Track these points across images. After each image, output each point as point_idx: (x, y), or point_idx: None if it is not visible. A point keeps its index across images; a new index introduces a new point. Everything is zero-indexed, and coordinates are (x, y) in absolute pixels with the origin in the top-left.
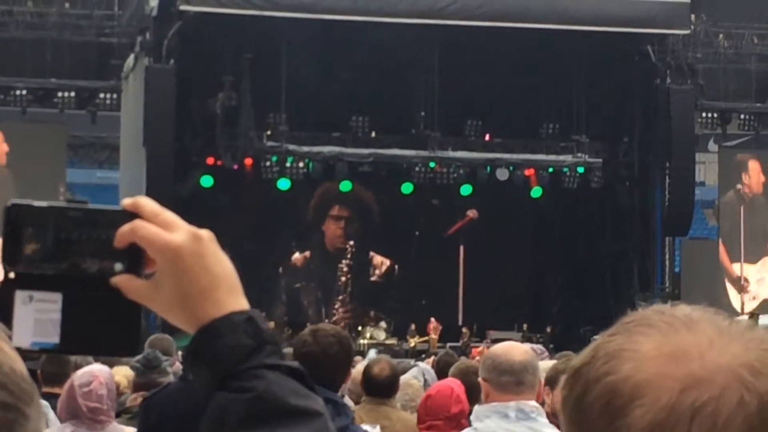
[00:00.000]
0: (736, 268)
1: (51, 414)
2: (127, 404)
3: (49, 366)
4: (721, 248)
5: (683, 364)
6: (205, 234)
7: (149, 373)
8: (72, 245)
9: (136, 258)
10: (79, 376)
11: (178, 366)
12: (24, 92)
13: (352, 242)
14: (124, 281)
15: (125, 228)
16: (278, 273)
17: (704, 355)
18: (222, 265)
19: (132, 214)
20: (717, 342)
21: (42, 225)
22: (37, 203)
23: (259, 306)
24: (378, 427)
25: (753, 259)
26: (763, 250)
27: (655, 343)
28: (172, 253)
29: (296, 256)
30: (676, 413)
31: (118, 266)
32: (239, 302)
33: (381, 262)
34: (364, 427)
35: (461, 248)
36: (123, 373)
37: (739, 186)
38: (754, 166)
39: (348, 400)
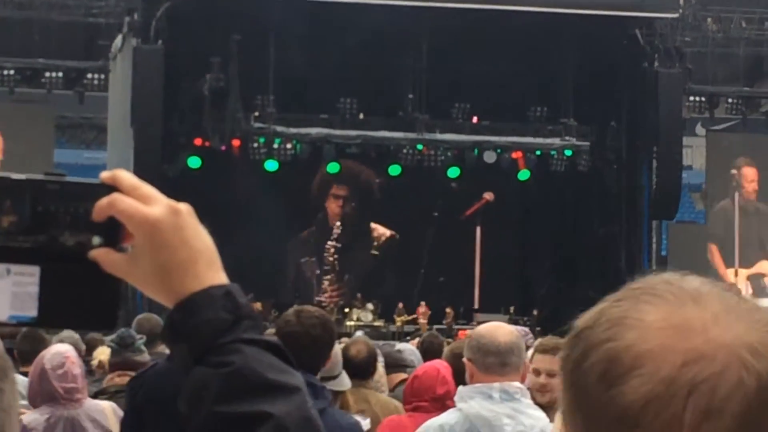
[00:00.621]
0: (730, 273)
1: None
2: (104, 384)
3: (24, 344)
4: (715, 251)
5: (687, 338)
6: (184, 207)
7: (123, 351)
8: (50, 218)
9: (114, 231)
10: (49, 359)
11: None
12: (11, 72)
13: (339, 223)
14: (102, 255)
15: (103, 201)
16: (285, 249)
17: (708, 330)
18: (201, 238)
19: (110, 188)
20: (722, 319)
21: (19, 197)
22: (15, 175)
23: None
24: (368, 421)
25: (747, 264)
26: (758, 256)
27: (661, 314)
28: (150, 227)
29: (304, 233)
30: (674, 387)
31: (96, 240)
32: (218, 276)
33: (381, 234)
34: (356, 417)
35: (478, 230)
36: (107, 352)
37: (736, 194)
38: (749, 172)
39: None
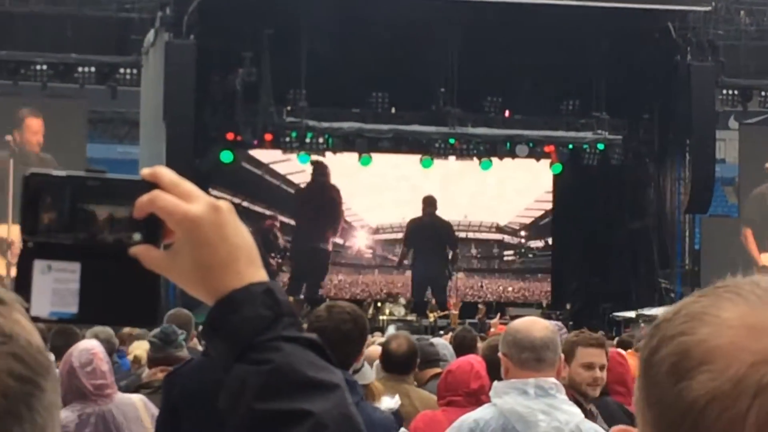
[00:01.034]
0: (764, 258)
1: None
2: (144, 379)
3: (58, 340)
4: (749, 235)
5: (759, 339)
6: (224, 205)
7: (166, 347)
8: (90, 215)
9: (154, 228)
10: (77, 356)
11: (194, 342)
12: (44, 67)
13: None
14: (142, 251)
15: (144, 198)
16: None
17: None
18: (241, 236)
19: (151, 184)
20: None
21: (60, 194)
22: (55, 172)
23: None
24: (397, 397)
25: None
26: None
27: (739, 313)
28: (191, 224)
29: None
30: (740, 386)
31: (137, 236)
32: (258, 273)
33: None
34: (384, 398)
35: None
36: (144, 348)
37: None
38: None
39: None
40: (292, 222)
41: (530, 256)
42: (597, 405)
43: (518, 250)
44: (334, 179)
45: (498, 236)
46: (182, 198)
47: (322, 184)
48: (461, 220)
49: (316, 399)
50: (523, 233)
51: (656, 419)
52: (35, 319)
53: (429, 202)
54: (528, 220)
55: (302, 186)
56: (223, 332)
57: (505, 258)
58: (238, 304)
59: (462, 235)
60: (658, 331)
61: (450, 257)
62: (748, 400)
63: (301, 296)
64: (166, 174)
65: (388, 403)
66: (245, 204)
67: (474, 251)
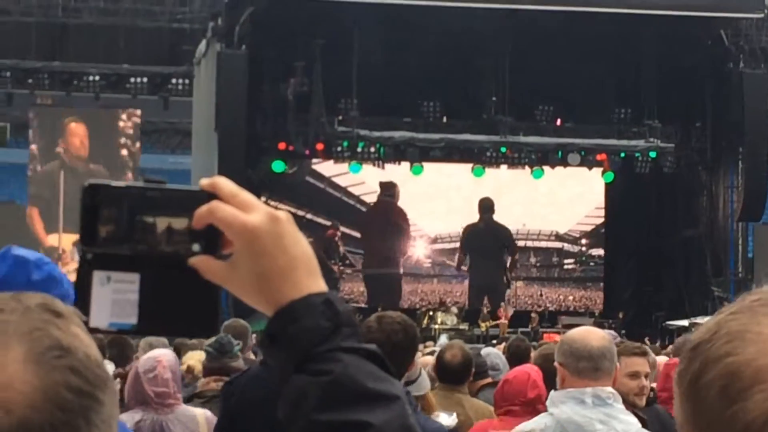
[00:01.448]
0: None
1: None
2: (199, 388)
3: (113, 349)
4: None
5: None
6: (283, 215)
7: (221, 357)
8: (149, 226)
9: (213, 239)
10: (143, 363)
11: (249, 353)
12: (97, 78)
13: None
14: (201, 262)
15: (203, 209)
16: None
17: None
18: (300, 246)
19: (210, 195)
20: None
21: (119, 205)
22: (114, 183)
23: None
24: (454, 415)
25: None
26: None
27: None
28: (250, 234)
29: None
30: None
31: (196, 247)
32: (317, 284)
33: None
34: (441, 414)
35: None
36: (197, 358)
37: None
38: None
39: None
40: (355, 233)
41: (591, 264)
42: (647, 413)
43: (578, 258)
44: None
45: (558, 244)
46: (241, 208)
47: (389, 205)
48: (519, 228)
49: (376, 410)
50: (583, 241)
51: None
52: (95, 330)
53: (485, 206)
54: (588, 228)
55: (371, 205)
56: (283, 342)
57: (565, 266)
58: (298, 315)
59: (521, 243)
60: (699, 354)
61: (508, 264)
62: None
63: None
64: (225, 184)
65: (446, 420)
66: (306, 215)
67: (533, 259)
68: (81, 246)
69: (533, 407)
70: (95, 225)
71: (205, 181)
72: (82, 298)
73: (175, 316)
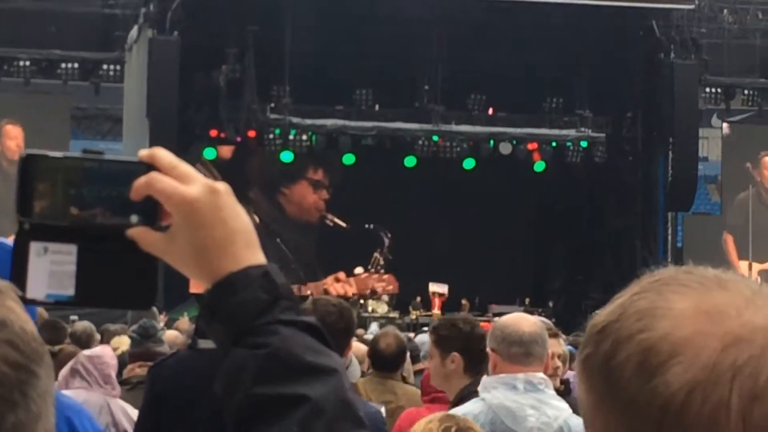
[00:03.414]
0: (742, 266)
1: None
2: (124, 375)
3: (44, 332)
4: (729, 241)
5: (721, 323)
6: (222, 187)
7: (145, 342)
8: (87, 196)
9: (152, 210)
10: (88, 351)
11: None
12: (27, 63)
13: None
14: (139, 234)
15: (141, 180)
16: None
17: (742, 314)
18: (239, 218)
19: (148, 166)
20: (752, 302)
21: (56, 176)
22: (52, 154)
23: None
24: (383, 408)
25: (760, 259)
26: None
27: (691, 302)
28: (189, 206)
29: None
30: (717, 372)
31: (134, 218)
32: (256, 256)
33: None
34: (371, 404)
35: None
36: (126, 343)
37: (750, 186)
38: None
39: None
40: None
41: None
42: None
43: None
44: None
45: None
46: (180, 180)
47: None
48: None
49: (313, 383)
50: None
51: (628, 422)
52: (31, 302)
53: None
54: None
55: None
56: (221, 316)
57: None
58: (236, 288)
59: None
60: (608, 335)
61: None
62: (727, 384)
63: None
64: (164, 156)
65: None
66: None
67: None
68: (18, 216)
69: None
70: (32, 195)
71: (143, 152)
72: (18, 268)
73: (113, 287)
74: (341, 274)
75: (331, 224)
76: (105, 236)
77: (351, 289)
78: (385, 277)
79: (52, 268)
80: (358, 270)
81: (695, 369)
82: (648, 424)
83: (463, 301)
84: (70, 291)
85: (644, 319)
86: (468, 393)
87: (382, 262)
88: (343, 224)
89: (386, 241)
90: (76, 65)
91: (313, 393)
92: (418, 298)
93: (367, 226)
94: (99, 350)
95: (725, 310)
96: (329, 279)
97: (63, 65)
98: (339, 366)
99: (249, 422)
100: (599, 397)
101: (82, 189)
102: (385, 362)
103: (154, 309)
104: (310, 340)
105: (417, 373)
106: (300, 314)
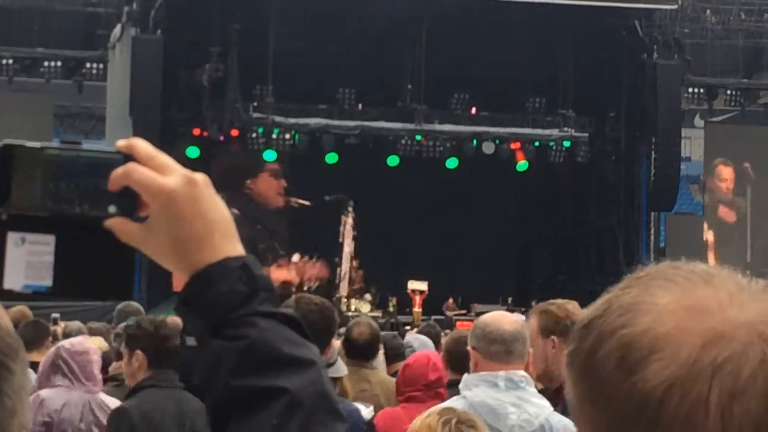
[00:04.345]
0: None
1: (32, 376)
2: (110, 372)
3: (26, 331)
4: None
5: (703, 319)
6: (200, 178)
7: None
8: (65, 187)
9: (130, 201)
10: (73, 341)
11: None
12: (10, 61)
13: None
14: (117, 224)
15: (119, 171)
16: None
17: (725, 310)
18: (217, 209)
19: (126, 157)
20: (737, 298)
21: (34, 166)
22: (30, 144)
23: None
24: (371, 408)
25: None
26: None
27: (674, 297)
28: (166, 197)
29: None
30: (696, 369)
31: (112, 209)
32: (234, 248)
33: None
34: (360, 406)
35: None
36: (98, 344)
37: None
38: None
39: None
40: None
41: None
42: (560, 403)
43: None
44: None
45: None
46: (158, 171)
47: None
48: None
49: (291, 376)
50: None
51: (609, 417)
52: (8, 293)
53: None
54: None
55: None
56: (198, 308)
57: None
58: (214, 279)
59: None
60: (592, 330)
61: None
62: (707, 382)
63: None
64: (142, 146)
65: (363, 412)
66: None
67: None
68: None
69: (435, 391)
70: (9, 185)
71: (121, 143)
72: None
73: (91, 278)
74: (283, 261)
75: (296, 206)
76: (83, 227)
77: (291, 275)
78: (317, 264)
79: (29, 259)
80: (295, 258)
81: (674, 365)
82: (628, 420)
83: (450, 300)
84: (47, 282)
85: (627, 314)
86: None
87: (351, 223)
88: (307, 203)
89: (350, 206)
90: (59, 63)
91: (291, 385)
92: (394, 300)
93: (326, 198)
94: (81, 344)
95: (708, 306)
96: (273, 266)
97: (46, 63)
98: (317, 358)
99: (228, 414)
100: (583, 391)
101: (60, 179)
102: (359, 351)
103: (140, 307)
104: (288, 332)
105: (394, 375)
106: (278, 306)
